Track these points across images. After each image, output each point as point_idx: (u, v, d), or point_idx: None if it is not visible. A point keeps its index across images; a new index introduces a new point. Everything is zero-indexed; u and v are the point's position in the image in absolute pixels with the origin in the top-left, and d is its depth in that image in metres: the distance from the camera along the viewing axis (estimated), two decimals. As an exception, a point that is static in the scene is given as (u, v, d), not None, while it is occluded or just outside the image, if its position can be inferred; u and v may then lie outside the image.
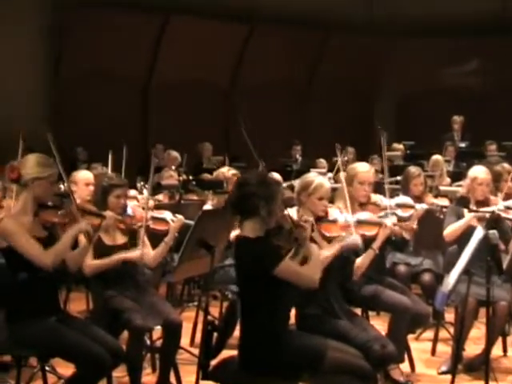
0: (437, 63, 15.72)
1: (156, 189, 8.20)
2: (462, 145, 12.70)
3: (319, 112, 15.70)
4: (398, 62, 15.85)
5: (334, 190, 5.33)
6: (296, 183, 5.02)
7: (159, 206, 6.62)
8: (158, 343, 5.50)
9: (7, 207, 5.82)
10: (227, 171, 6.92)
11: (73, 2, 12.64)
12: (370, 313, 6.04)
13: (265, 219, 3.95)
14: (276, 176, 6.75)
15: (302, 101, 15.87)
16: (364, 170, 5.36)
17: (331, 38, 15.47)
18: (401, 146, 12.13)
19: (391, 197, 5.90)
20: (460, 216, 5.88)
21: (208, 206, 6.48)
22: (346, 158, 11.56)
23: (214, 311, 6.48)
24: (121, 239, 5.27)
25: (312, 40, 15.29)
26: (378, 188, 6.10)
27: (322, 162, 11.27)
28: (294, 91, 15.80)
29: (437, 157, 9.87)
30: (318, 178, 4.87)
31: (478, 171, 6.09)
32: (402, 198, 6.13)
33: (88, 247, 4.50)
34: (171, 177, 8.87)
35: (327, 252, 4.51)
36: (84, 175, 6.86)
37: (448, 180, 9.49)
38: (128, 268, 5.17)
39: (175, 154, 10.87)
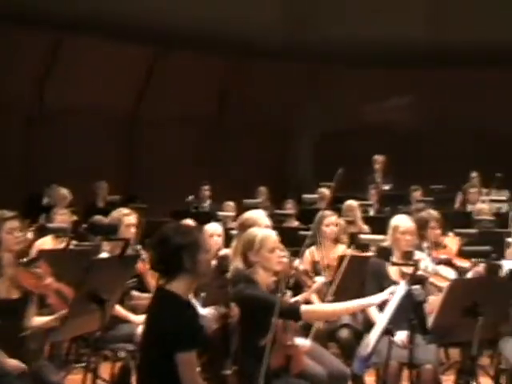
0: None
1: (41, 231, 8.04)
2: (386, 187, 12.93)
3: (230, 149, 15.65)
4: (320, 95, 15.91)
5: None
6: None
7: (40, 253, 6.40)
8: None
9: None
10: (120, 213, 6.77)
11: None
12: None
13: (191, 273, 3.93)
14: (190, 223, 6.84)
15: (211, 135, 15.78)
16: None
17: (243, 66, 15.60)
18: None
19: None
20: (381, 275, 5.98)
21: (104, 254, 6.38)
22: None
23: (104, 373, 6.39)
24: None
25: (222, 68, 15.38)
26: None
27: (230, 204, 11.27)
28: (202, 124, 15.70)
29: (350, 202, 9.87)
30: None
31: (400, 220, 6.25)
32: None
33: None
34: (63, 218, 8.65)
35: None
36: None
37: (365, 227, 9.58)
38: None
39: (64, 191, 10.70)
